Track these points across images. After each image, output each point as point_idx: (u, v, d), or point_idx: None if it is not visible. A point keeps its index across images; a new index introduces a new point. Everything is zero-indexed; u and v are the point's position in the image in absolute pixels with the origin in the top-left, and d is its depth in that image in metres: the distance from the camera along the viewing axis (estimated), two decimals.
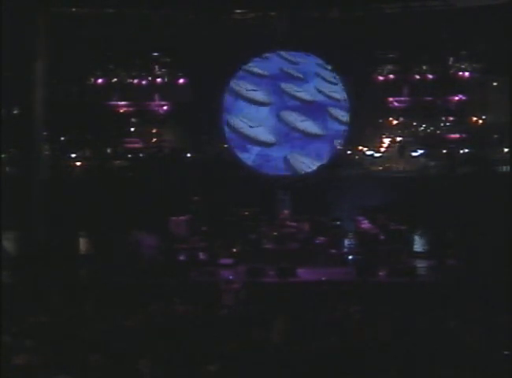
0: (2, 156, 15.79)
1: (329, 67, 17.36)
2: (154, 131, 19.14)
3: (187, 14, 17.22)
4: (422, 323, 8.36)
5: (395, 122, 18.89)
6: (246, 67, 17.53)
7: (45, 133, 16.64)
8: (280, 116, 17.26)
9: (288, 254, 14.54)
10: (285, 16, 17.23)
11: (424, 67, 18.06)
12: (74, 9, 16.72)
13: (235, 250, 14.89)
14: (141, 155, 18.60)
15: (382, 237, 14.93)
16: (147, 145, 18.86)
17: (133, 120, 19.03)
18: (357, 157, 18.70)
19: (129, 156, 18.60)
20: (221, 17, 17.34)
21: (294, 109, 17.26)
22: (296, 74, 17.39)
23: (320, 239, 15.04)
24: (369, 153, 18.70)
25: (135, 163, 18.35)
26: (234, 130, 17.40)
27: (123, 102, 18.66)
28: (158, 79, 18.46)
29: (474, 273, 12.65)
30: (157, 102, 18.75)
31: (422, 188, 16.37)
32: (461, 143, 18.38)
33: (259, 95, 17.41)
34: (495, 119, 18.17)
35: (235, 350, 7.03)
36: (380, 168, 18.47)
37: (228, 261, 14.43)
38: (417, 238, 15.39)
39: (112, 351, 6.94)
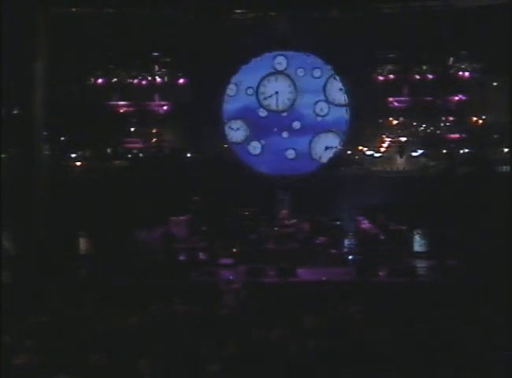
0: (2, 156, 15.78)
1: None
2: (154, 131, 19.13)
3: (187, 14, 17.22)
4: (422, 323, 8.36)
5: (395, 122, 18.87)
6: None
7: (45, 133, 16.64)
8: None
9: (288, 254, 14.53)
10: (285, 16, 17.22)
11: (424, 67, 18.04)
12: (74, 9, 16.72)
13: (235, 250, 14.89)
14: (141, 155, 18.60)
15: (382, 237, 14.93)
16: (147, 145, 18.86)
17: (133, 120, 19.00)
18: (357, 157, 18.70)
19: (129, 156, 18.60)
20: (221, 17, 17.34)
21: None
22: None
23: (321, 239, 15.03)
24: (369, 153, 18.70)
25: (135, 163, 18.34)
26: None
27: (123, 102, 18.65)
28: (158, 79, 18.45)
29: (474, 273, 12.65)
30: (157, 102, 18.74)
31: (422, 188, 16.37)
32: (461, 143, 18.37)
33: None
34: (495, 119, 18.16)
35: (235, 350, 7.04)
36: (380, 168, 18.47)
37: (228, 261, 14.42)
38: (417, 238, 15.38)
39: (112, 351, 6.94)
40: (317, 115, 17.41)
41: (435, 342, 7.30)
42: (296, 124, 17.39)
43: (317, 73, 17.39)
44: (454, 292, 11.33)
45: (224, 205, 16.31)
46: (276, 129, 17.47)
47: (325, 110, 17.35)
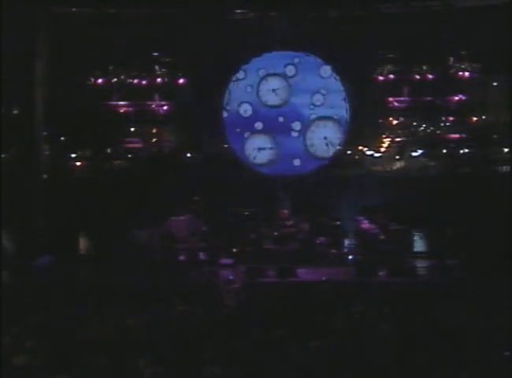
0: (2, 156, 15.79)
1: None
2: (154, 131, 19.14)
3: (187, 14, 17.21)
4: (423, 323, 8.36)
5: (395, 122, 18.90)
6: None
7: (45, 133, 16.65)
8: None
9: (288, 254, 14.52)
10: (285, 16, 17.22)
11: (424, 67, 18.07)
12: (74, 9, 16.72)
13: (235, 250, 14.89)
14: (141, 155, 18.62)
15: (382, 237, 14.93)
16: (147, 145, 18.87)
17: (133, 120, 19.02)
18: (357, 157, 18.71)
19: (129, 156, 18.62)
20: (221, 17, 17.34)
21: None
22: None
23: (321, 239, 15.03)
24: (369, 153, 18.71)
25: (135, 163, 18.36)
26: None
27: (123, 102, 18.67)
28: (158, 79, 18.46)
29: (474, 273, 12.65)
30: (157, 102, 18.76)
31: (422, 188, 16.38)
32: (461, 143, 18.40)
33: None
34: (495, 119, 18.17)
35: (235, 350, 7.04)
36: (380, 168, 18.49)
37: (228, 261, 14.42)
38: (417, 238, 15.39)
39: (112, 351, 6.95)
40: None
41: (435, 342, 7.30)
42: None
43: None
44: (454, 292, 11.33)
45: (224, 205, 16.31)
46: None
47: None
